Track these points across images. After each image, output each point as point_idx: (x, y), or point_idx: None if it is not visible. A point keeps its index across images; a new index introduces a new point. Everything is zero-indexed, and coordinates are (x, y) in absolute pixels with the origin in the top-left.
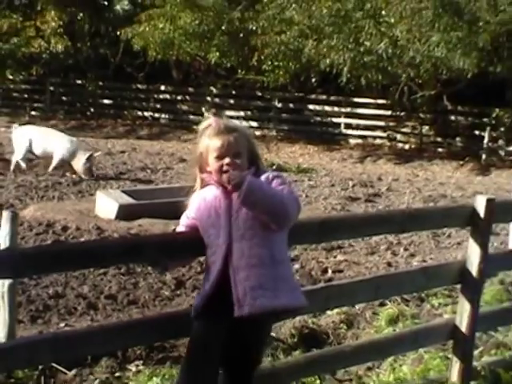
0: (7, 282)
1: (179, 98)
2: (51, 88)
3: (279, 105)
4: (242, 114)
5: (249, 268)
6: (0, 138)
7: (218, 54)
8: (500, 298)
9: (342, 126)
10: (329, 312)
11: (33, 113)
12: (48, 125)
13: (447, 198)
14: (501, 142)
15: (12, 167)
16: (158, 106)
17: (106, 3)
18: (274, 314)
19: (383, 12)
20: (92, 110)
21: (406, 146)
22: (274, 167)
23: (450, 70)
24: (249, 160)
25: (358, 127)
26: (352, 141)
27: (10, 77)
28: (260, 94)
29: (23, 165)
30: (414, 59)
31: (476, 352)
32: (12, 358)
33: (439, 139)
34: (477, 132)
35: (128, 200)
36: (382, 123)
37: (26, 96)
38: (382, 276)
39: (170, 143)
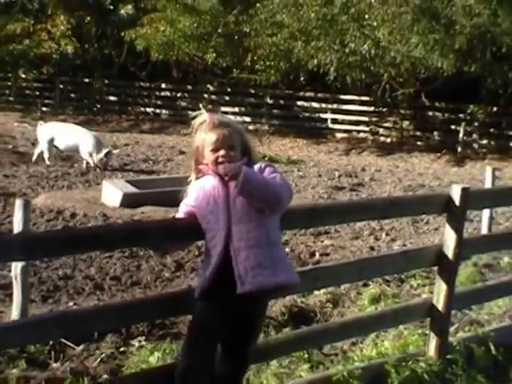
0: (20, 264)
1: (179, 95)
2: (61, 86)
3: (271, 101)
4: (236, 109)
5: (248, 249)
6: (14, 132)
7: (214, 54)
8: (474, 279)
9: (329, 121)
10: (316, 292)
11: (43, 109)
12: (58, 120)
13: (425, 187)
14: (475, 135)
15: (34, 158)
16: (159, 102)
17: (111, 8)
18: (272, 291)
19: (366, 16)
20: (98, 106)
21: (388, 140)
22: (266, 159)
23: (428, 70)
24: (242, 152)
25: (343, 122)
26: (338, 135)
27: (23, 75)
28: (253, 91)
29: (48, 159)
30: (394, 59)
31: (451, 328)
32: (25, 334)
33: (418, 133)
34: (453, 127)
35: (132, 189)
36: (365, 118)
37: (37, 93)
38: (365, 259)
39: (170, 137)
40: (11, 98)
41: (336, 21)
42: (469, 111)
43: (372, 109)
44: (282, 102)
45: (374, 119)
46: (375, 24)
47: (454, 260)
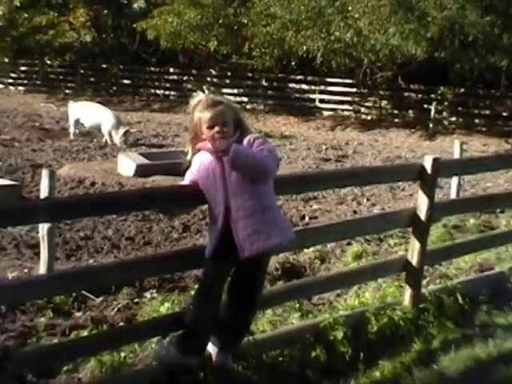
0: (46, 225)
1: (185, 78)
2: (81, 71)
3: (266, 84)
4: (235, 91)
5: (245, 219)
6: (40, 112)
7: (216, 42)
8: (443, 238)
9: (317, 100)
10: (306, 250)
11: (66, 91)
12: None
13: (401, 158)
14: (444, 113)
15: (71, 136)
16: (168, 85)
17: (125, 2)
18: (270, 251)
19: (349, 8)
20: (114, 88)
21: (369, 117)
22: (262, 134)
23: (404, 56)
24: (235, 126)
25: (329, 102)
26: (325, 113)
27: (48, 62)
28: (250, 75)
29: (72, 134)
30: (374, 46)
31: (424, 281)
32: (51, 287)
33: (395, 111)
34: (425, 106)
35: (144, 161)
36: (349, 98)
37: (60, 77)
38: (348, 221)
39: (177, 115)
40: (38, 82)
41: (323, 12)
42: (439, 92)
43: (354, 90)
44: (275, 84)
45: (356, 99)
46: (357, 15)
47: (426, 221)
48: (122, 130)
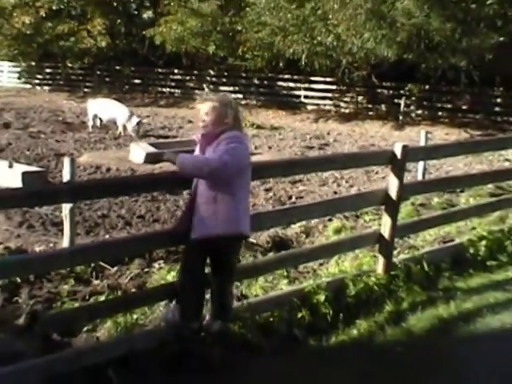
0: (68, 206)
1: (187, 78)
2: (98, 72)
3: (257, 82)
4: (231, 88)
5: (201, 204)
6: (63, 107)
7: (214, 47)
8: (411, 214)
9: (302, 96)
10: (293, 225)
11: (85, 90)
12: (97, 97)
13: (375, 146)
14: (412, 107)
15: (90, 129)
16: (173, 84)
17: (136, 12)
18: (227, 238)
19: (330, 16)
20: (127, 87)
21: (347, 111)
22: (254, 127)
23: (377, 57)
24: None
25: (313, 97)
26: (309, 107)
27: (70, 65)
28: (244, 74)
29: (91, 126)
30: (351, 49)
31: (395, 252)
32: (72, 259)
33: (370, 106)
34: (396, 100)
35: (152, 149)
36: (330, 94)
37: (80, 78)
38: (330, 200)
39: (181, 110)
40: (61, 82)
41: (307, 20)
42: (407, 89)
43: (335, 87)
44: (266, 82)
45: (336, 95)
46: (336, 22)
47: (397, 200)
48: (135, 120)
